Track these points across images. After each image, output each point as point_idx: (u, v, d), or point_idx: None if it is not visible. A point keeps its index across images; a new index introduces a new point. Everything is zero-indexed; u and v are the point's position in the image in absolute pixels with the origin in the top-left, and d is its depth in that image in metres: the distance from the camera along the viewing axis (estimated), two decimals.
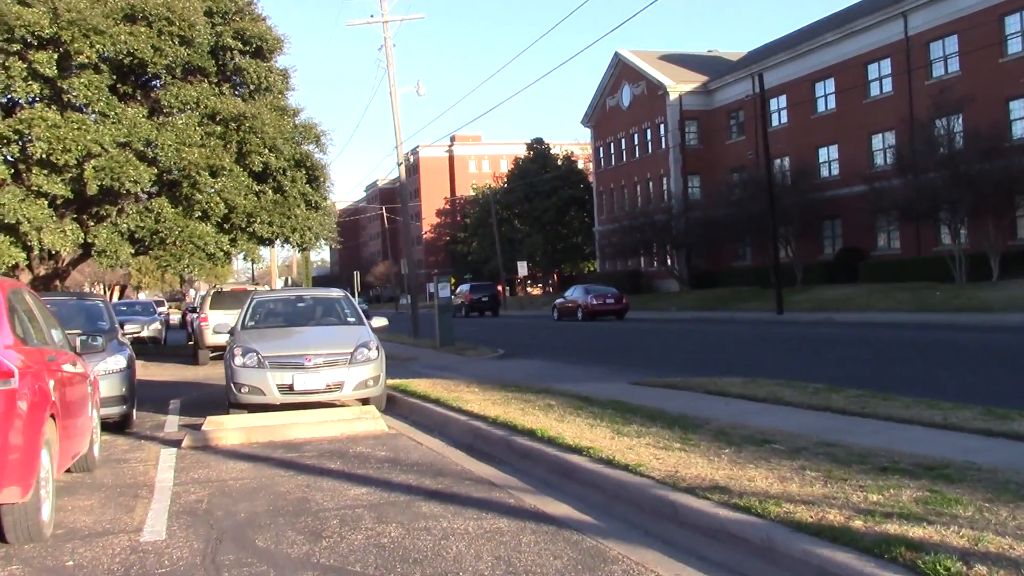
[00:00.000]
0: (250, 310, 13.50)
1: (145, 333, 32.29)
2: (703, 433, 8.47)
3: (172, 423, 12.20)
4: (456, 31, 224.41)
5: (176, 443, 10.08)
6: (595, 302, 44.71)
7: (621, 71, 67.83)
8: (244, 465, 8.65)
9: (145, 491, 7.64)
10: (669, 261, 60.39)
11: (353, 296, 27.39)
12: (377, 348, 12.26)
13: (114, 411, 11.00)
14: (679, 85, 61.29)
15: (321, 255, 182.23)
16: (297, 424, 10.83)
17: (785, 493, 5.79)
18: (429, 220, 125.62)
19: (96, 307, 12.71)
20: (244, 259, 23.04)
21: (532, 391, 12.68)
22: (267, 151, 21.92)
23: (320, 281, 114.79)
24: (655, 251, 60.83)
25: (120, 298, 74.36)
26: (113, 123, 20.92)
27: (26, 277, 24.21)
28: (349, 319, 13.56)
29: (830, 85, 50.19)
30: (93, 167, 20.32)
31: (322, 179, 23.79)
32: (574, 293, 47.24)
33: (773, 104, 52.61)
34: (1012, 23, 38.86)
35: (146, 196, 22.17)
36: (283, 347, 12.08)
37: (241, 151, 21.93)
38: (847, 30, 48.08)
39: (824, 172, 50.64)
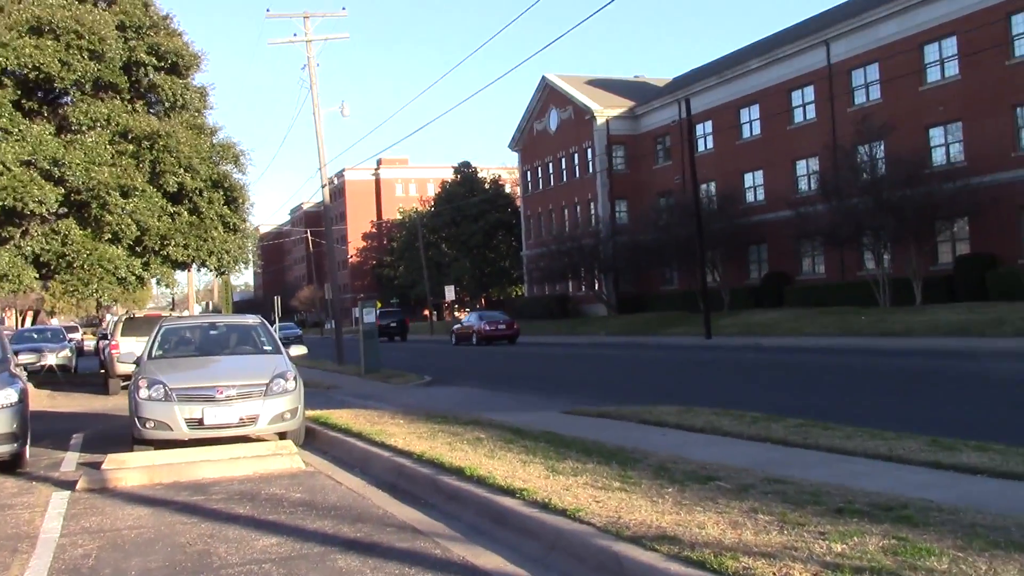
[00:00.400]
0: (158, 338, 12.63)
1: (54, 361, 30.85)
2: (643, 469, 7.93)
3: (71, 461, 11.27)
4: (381, 52, 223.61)
5: (71, 485, 9.21)
6: (488, 327, 46.52)
7: (548, 95, 67.81)
8: (143, 511, 7.84)
9: (26, 544, 6.80)
10: (597, 285, 60.27)
11: (273, 321, 26.44)
12: (295, 379, 11.52)
13: (3, 449, 10.07)
14: (606, 110, 61.43)
15: (244, 279, 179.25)
16: (206, 462, 10.04)
17: (740, 543, 5.25)
18: (355, 244, 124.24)
19: None
20: (158, 284, 22.00)
21: (461, 422, 12.04)
22: (182, 171, 21.01)
23: (243, 306, 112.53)
24: (583, 275, 60.65)
25: (33, 323, 71.79)
26: (16, 140, 19.84)
27: None
28: (265, 347, 12.76)
29: (755, 111, 50.67)
30: None
31: (241, 200, 22.88)
32: (470, 319, 49.91)
33: (699, 129, 52.92)
34: (931, 52, 39.57)
35: (52, 217, 21.02)
36: (192, 378, 11.27)
37: (155, 171, 20.99)
38: (771, 57, 48.62)
39: (750, 197, 51.00)
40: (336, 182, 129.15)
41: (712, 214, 46.56)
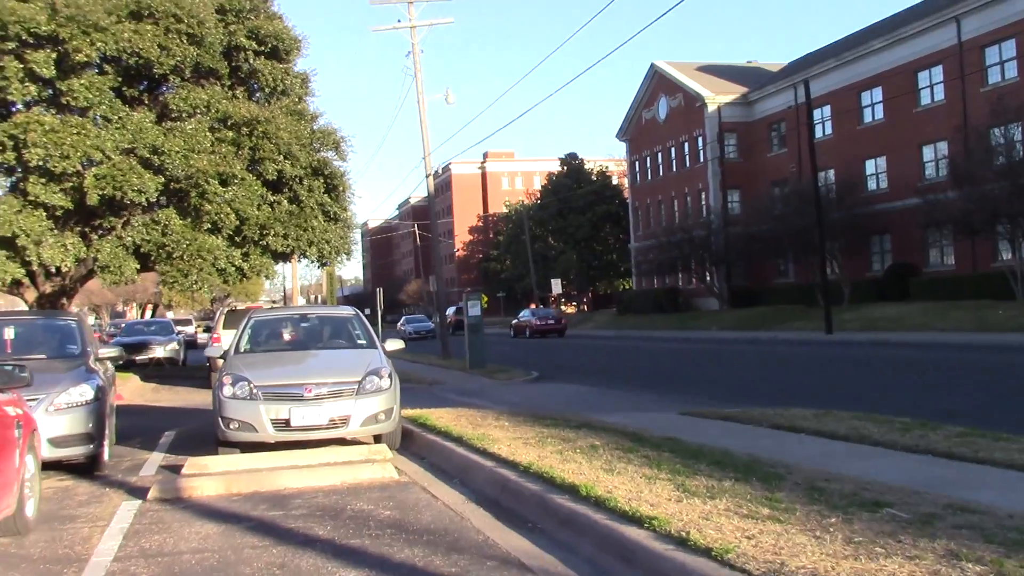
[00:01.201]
0: (246, 331, 11.77)
1: (162, 354, 30.85)
2: (791, 490, 6.63)
3: (154, 463, 10.50)
4: (487, 40, 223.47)
5: (144, 493, 8.36)
6: (538, 323, 54.51)
7: (657, 83, 66.01)
8: (212, 528, 6.89)
9: (73, 569, 5.90)
10: (708, 278, 58.25)
11: (376, 314, 25.74)
12: (390, 376, 10.50)
13: (77, 451, 9.30)
14: (718, 96, 59.35)
15: (354, 273, 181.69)
16: (291, 469, 9.10)
17: None
18: (462, 237, 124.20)
19: (67, 327, 11.03)
20: (258, 275, 21.39)
21: (571, 425, 10.87)
22: (282, 158, 20.31)
23: (351, 300, 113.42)
24: (694, 268, 58.66)
25: (153, 316, 73.38)
26: (117, 128, 19.44)
27: (31, 295, 22.79)
28: (359, 341, 11.80)
29: (877, 94, 48.02)
30: (94, 175, 18.86)
31: (342, 188, 22.10)
32: (525, 315, 57.71)
33: (817, 115, 50.30)
34: None
35: (152, 207, 20.59)
36: (279, 375, 10.36)
37: (254, 158, 20.37)
38: (895, 36, 45.96)
39: (872, 185, 48.46)
40: (442, 175, 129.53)
41: (831, 203, 44.22)
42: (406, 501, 7.65)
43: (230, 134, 20.38)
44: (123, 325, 40.37)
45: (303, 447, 10.21)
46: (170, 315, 76.27)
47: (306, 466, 9.32)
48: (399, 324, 68.32)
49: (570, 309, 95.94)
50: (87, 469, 9.75)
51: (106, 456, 10.05)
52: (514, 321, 58.40)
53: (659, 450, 8.73)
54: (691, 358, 28.62)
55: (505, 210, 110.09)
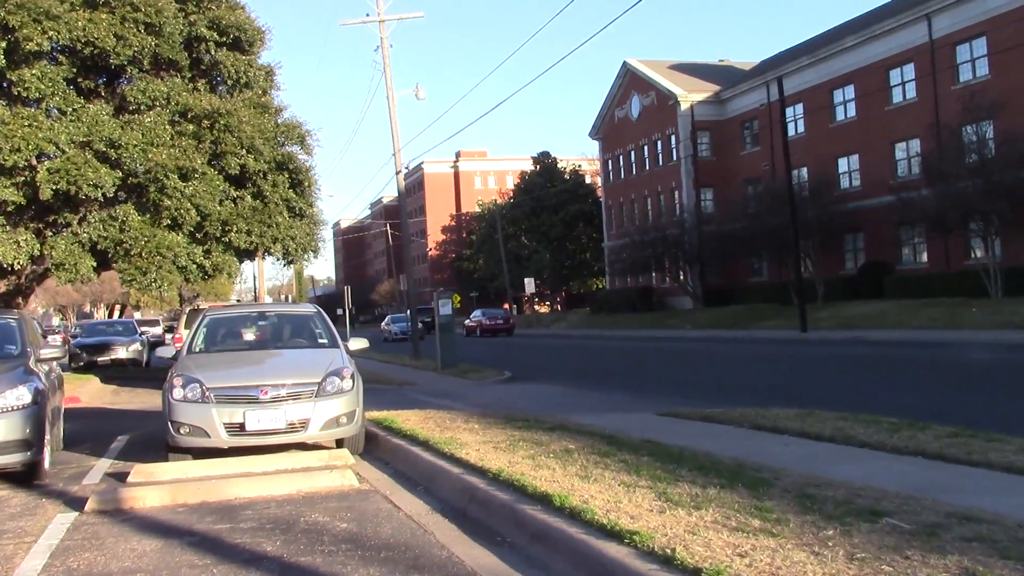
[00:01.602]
0: (200, 331, 11.12)
1: (124, 355, 30.02)
2: (781, 497, 6.12)
3: (100, 470, 9.83)
4: (456, 35, 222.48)
5: (83, 503, 7.73)
6: (488, 322, 58.81)
7: (630, 81, 65.63)
8: (150, 544, 6.27)
9: None
10: (682, 277, 57.93)
11: (346, 312, 25.09)
12: (352, 377, 9.90)
13: (12, 459, 8.64)
14: (690, 95, 59.03)
15: (327, 273, 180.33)
16: (244, 476, 8.49)
17: None
18: (435, 237, 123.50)
19: (5, 327, 10.31)
20: (218, 273, 20.62)
21: (544, 427, 10.34)
22: (244, 152, 19.60)
23: (323, 300, 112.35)
24: (667, 267, 58.30)
25: (121, 317, 72.16)
26: (71, 120, 18.71)
27: None
28: (321, 340, 11.18)
29: (850, 92, 47.84)
30: (47, 169, 18.10)
31: (307, 184, 21.40)
32: (476, 315, 61.75)
33: (790, 113, 49.96)
34: None
35: (109, 203, 19.84)
36: (234, 376, 9.74)
37: (216, 152, 19.65)
38: (868, 34, 45.78)
39: (845, 183, 48.29)
40: (415, 175, 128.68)
41: (805, 201, 43.96)
42: (366, 512, 7.07)
43: (191, 127, 19.66)
44: (85, 325, 39.38)
45: (260, 453, 9.62)
46: (137, 315, 75.13)
47: (261, 473, 8.72)
48: (383, 324, 67.99)
49: (543, 308, 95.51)
50: (25, 478, 9.08)
51: (46, 463, 9.38)
52: (467, 321, 60.45)
53: (638, 454, 8.22)
54: (666, 358, 28.19)
55: (478, 209, 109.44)
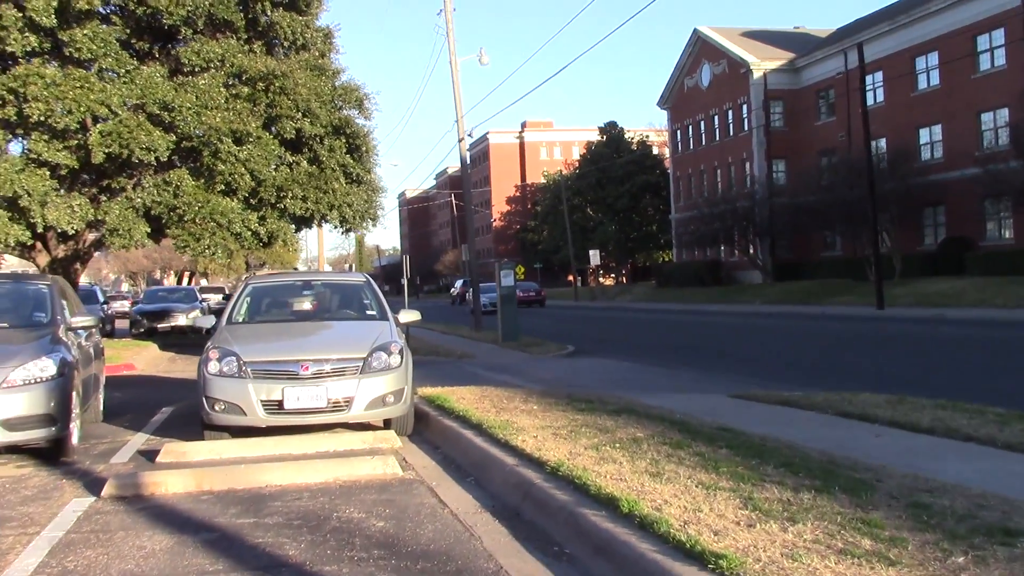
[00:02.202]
0: (242, 300, 10.44)
1: (184, 322, 29.78)
2: (888, 507, 5.18)
3: (132, 447, 9.21)
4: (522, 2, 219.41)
5: (102, 486, 7.07)
6: (521, 294, 56.41)
7: (701, 49, 63.86)
8: (162, 542, 5.56)
9: None
10: (752, 251, 56.33)
11: (404, 283, 24.46)
12: (401, 352, 9.13)
13: (35, 435, 8.04)
14: (763, 63, 57.16)
15: (392, 243, 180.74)
16: (278, 462, 7.76)
17: None
18: (499, 208, 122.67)
19: (37, 293, 9.73)
20: (276, 241, 20.02)
21: (609, 410, 9.48)
22: (300, 115, 18.92)
23: (388, 270, 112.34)
24: (736, 240, 56.71)
25: (189, 284, 72.74)
26: (124, 82, 18.17)
27: (43, 259, 21.70)
28: (369, 312, 10.43)
29: (933, 59, 45.75)
30: (99, 132, 17.61)
31: (365, 149, 20.65)
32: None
33: (868, 81, 48.21)
34: None
35: (163, 167, 19.34)
36: (273, 350, 9.03)
37: (271, 116, 19.00)
38: None
39: (925, 154, 46.36)
40: (480, 145, 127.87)
41: (883, 173, 42.19)
42: (407, 507, 6.27)
43: (245, 90, 19.02)
44: (146, 292, 39.42)
45: (302, 432, 8.91)
46: (204, 283, 75.64)
47: (299, 456, 8.02)
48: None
49: (608, 281, 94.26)
50: (52, 454, 8.50)
51: (75, 439, 8.77)
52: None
53: (714, 445, 7.32)
54: (735, 334, 27.05)
55: (543, 180, 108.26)
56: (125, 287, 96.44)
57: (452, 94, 30.72)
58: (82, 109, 17.22)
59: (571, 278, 73.42)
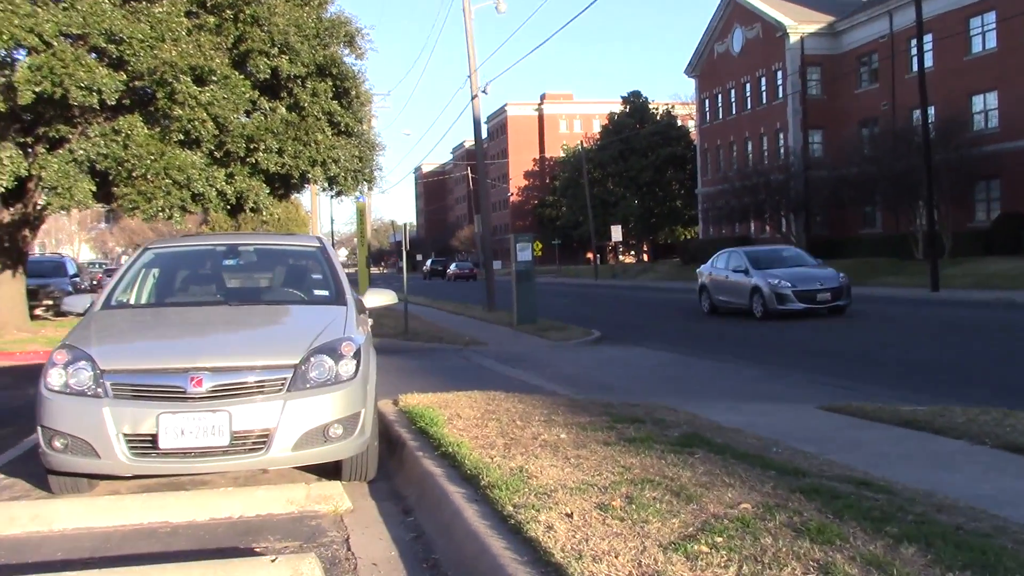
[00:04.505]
0: (130, 273, 7.19)
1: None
2: None
3: None
4: None
5: None
6: (457, 270, 78.82)
7: (733, 12, 60.05)
8: None
9: None
10: (785, 227, 52.74)
11: (401, 257, 21.09)
12: (357, 356, 5.84)
13: None
14: (800, 26, 53.39)
15: (408, 218, 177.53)
16: (107, 563, 4.56)
17: None
18: (517, 182, 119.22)
19: None
20: (241, 202, 16.65)
21: (672, 441, 6.32)
22: (277, 51, 15.64)
23: (410, 247, 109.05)
24: (768, 215, 53.11)
25: None
26: (64, 8, 14.92)
27: None
28: (319, 292, 7.15)
29: (990, 19, 42.03)
30: (28, 67, 14.39)
31: (355, 94, 17.26)
32: (453, 267, 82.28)
33: (914, 45, 44.56)
34: None
35: (113, 114, 16.10)
36: (150, 352, 5.79)
37: (241, 51, 15.73)
38: None
39: (979, 123, 42.72)
40: (498, 117, 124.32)
41: (931, 144, 38.62)
42: None
43: (212, 19, 15.75)
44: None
45: (195, 484, 5.69)
46: None
47: (170, 532, 4.78)
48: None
49: (628, 259, 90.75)
50: None
51: None
52: (450, 270, 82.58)
53: (880, 531, 4.08)
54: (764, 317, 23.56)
55: (563, 155, 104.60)
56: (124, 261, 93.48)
57: (466, 47, 27.39)
58: (5, 38, 14.02)
59: (590, 255, 69.98)
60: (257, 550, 4.60)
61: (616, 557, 3.77)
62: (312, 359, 5.61)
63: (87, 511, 5.25)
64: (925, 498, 5.00)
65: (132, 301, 6.96)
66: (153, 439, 5.20)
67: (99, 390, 5.35)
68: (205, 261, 7.71)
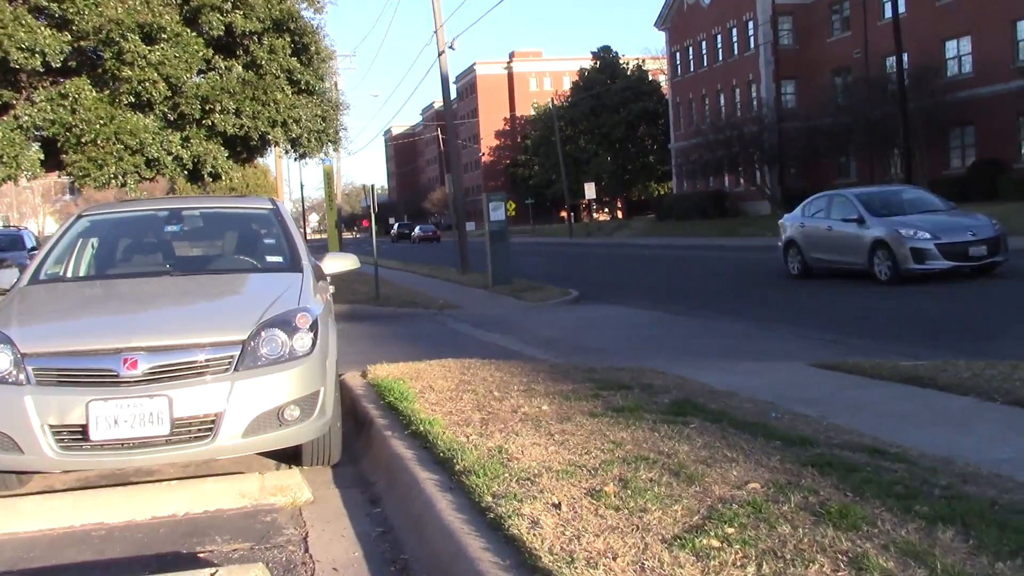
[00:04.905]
0: (62, 243, 6.53)
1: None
2: None
3: None
4: None
5: None
6: (421, 233, 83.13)
7: None
8: None
9: None
10: (759, 179, 52.29)
11: (372, 221, 20.32)
12: (314, 327, 5.23)
13: None
14: None
15: (380, 182, 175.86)
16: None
17: None
18: (488, 142, 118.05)
19: None
20: (198, 167, 15.87)
21: (663, 409, 5.81)
22: (230, 6, 14.85)
23: (380, 210, 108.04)
24: (742, 168, 52.65)
25: None
26: None
27: None
28: (271, 259, 6.49)
29: None
30: None
31: (315, 49, 16.45)
32: (417, 230, 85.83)
33: None
34: None
35: (59, 77, 15.28)
36: (78, 330, 5.15)
37: (193, 7, 14.91)
38: None
39: (952, 69, 42.28)
40: (467, 77, 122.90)
41: (906, 91, 38.19)
42: None
43: None
44: None
45: (135, 479, 5.09)
46: None
47: (104, 536, 4.19)
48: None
49: (602, 216, 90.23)
50: None
51: None
52: (414, 233, 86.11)
53: (864, 494, 3.59)
54: (754, 271, 23.14)
55: (533, 113, 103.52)
56: None
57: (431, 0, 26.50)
58: None
59: (564, 214, 69.41)
60: (201, 555, 4.02)
61: (614, 559, 3.22)
62: (263, 333, 5.00)
63: (8, 513, 4.64)
64: (945, 466, 4.50)
65: (63, 274, 6.31)
66: (83, 430, 4.59)
67: (20, 376, 4.72)
68: (145, 228, 7.03)
